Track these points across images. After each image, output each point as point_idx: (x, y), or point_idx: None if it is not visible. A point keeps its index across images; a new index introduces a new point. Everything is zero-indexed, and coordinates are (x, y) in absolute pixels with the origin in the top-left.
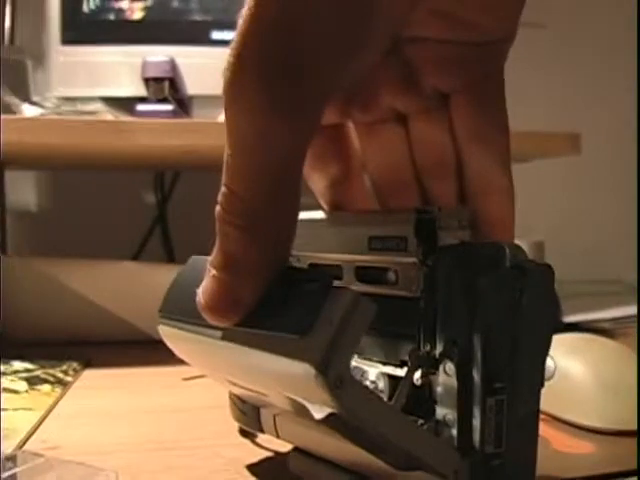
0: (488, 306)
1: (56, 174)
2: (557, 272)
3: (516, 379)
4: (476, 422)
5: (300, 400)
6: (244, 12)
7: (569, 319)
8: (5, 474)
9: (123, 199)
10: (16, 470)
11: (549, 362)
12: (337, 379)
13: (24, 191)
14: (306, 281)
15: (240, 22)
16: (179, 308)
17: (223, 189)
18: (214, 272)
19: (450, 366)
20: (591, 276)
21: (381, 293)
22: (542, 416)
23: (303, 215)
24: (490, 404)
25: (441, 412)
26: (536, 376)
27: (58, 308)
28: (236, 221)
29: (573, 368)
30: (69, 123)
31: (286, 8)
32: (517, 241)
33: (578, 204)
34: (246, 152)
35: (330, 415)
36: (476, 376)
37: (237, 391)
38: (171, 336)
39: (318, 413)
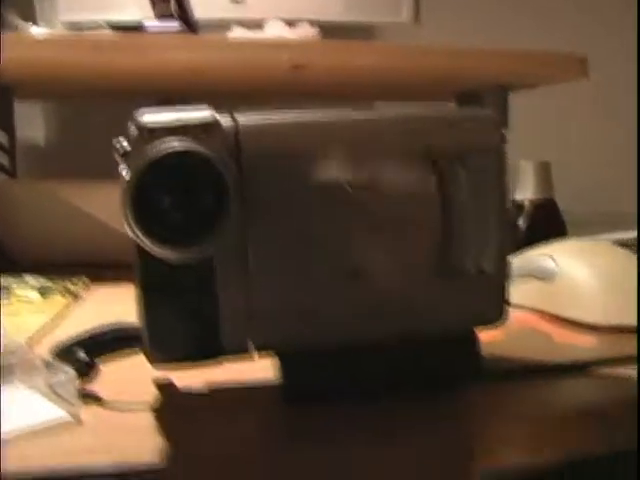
0: None
1: (63, 104)
2: (564, 203)
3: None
4: None
5: None
6: None
7: None
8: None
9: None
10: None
11: (550, 263)
12: None
13: (33, 122)
14: None
15: None
16: None
17: None
18: None
19: None
20: (595, 208)
21: None
22: (544, 315)
23: None
24: None
25: None
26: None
27: (68, 229)
28: None
29: (576, 269)
30: (76, 41)
31: None
32: (523, 161)
33: (583, 136)
34: None
35: None
36: None
37: None
38: None
39: None
